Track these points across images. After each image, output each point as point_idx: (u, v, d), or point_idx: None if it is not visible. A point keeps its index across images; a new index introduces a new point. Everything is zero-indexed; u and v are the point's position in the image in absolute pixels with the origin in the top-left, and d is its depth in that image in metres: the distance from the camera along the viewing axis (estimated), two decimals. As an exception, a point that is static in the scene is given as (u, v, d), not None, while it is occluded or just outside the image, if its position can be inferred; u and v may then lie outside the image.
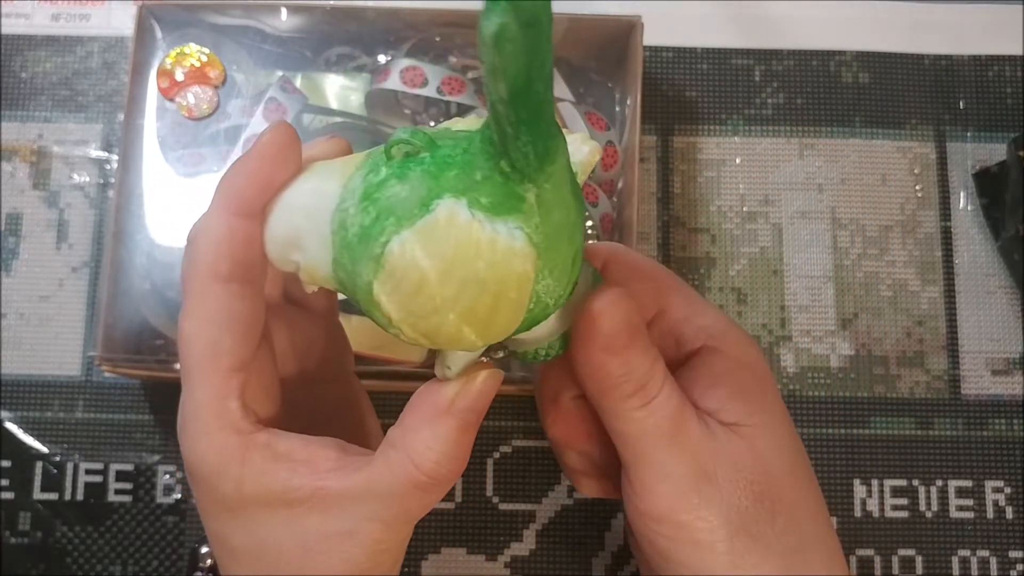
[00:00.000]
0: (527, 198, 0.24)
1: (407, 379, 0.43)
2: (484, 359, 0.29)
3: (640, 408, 0.28)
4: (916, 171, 0.51)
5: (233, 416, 0.28)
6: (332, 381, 0.34)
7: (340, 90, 0.48)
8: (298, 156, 0.28)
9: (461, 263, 0.24)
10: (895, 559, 0.46)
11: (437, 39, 0.47)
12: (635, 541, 0.31)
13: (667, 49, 0.51)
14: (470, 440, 0.27)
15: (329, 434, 0.29)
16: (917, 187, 0.50)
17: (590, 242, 0.29)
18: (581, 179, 0.27)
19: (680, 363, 0.31)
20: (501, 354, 0.31)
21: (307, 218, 0.26)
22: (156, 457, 0.46)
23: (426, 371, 0.43)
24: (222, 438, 0.28)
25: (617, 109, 0.48)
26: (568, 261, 0.25)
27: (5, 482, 0.46)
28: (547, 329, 0.29)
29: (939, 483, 0.47)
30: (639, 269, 0.31)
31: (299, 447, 0.28)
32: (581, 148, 0.28)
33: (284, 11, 0.47)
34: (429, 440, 0.27)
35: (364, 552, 0.28)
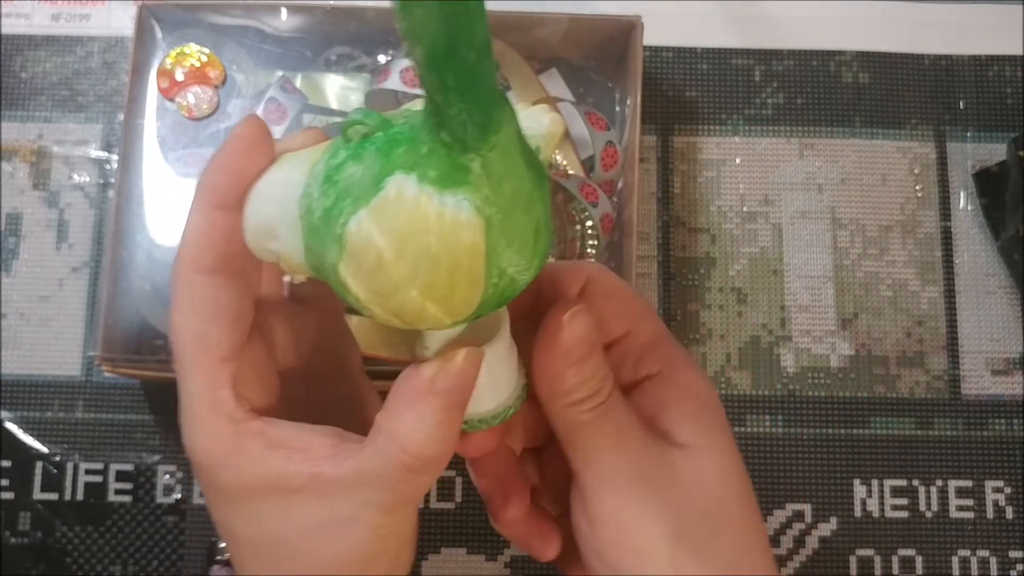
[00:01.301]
0: (472, 168, 0.24)
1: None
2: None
3: (589, 411, 0.30)
4: (916, 171, 0.51)
5: (225, 406, 0.28)
6: (336, 377, 0.34)
7: (340, 90, 0.48)
8: (269, 147, 0.28)
9: (413, 238, 0.24)
10: (895, 559, 0.46)
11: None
12: (582, 552, 0.31)
13: (667, 49, 0.51)
14: (456, 420, 0.28)
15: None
16: (917, 187, 0.50)
17: (574, 261, 0.30)
18: (547, 152, 0.28)
19: (635, 385, 0.32)
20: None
21: (278, 206, 0.27)
22: (156, 457, 0.46)
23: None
24: (216, 427, 0.28)
25: (617, 109, 0.48)
26: (529, 233, 0.25)
27: (5, 482, 0.46)
28: (505, 391, 0.30)
29: (939, 483, 0.47)
30: (615, 293, 0.32)
31: (294, 435, 0.28)
32: (541, 119, 0.28)
33: (284, 11, 0.47)
34: (413, 422, 0.27)
35: (365, 537, 0.28)
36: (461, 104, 0.23)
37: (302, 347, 0.33)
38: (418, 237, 0.24)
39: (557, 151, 0.46)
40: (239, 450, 0.28)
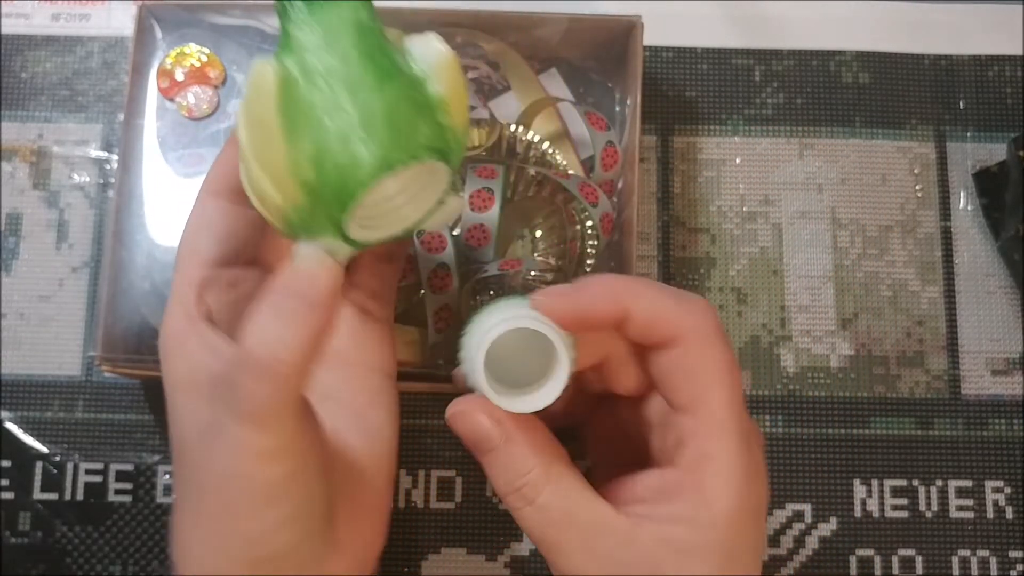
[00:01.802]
0: (293, 35, 0.28)
1: (406, 379, 0.43)
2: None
3: (523, 508, 0.31)
4: (916, 171, 0.51)
5: (187, 301, 0.31)
6: (364, 375, 0.35)
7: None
8: None
9: (246, 99, 0.28)
10: (895, 559, 0.46)
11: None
12: None
13: (667, 49, 0.51)
14: (295, 328, 0.27)
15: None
16: (917, 187, 0.51)
17: (616, 287, 0.31)
18: (443, 80, 0.29)
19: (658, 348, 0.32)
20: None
21: None
22: (156, 457, 0.46)
23: (426, 371, 0.43)
24: (174, 319, 0.32)
25: (617, 109, 0.48)
26: (352, 120, 0.27)
27: (5, 482, 0.46)
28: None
29: (939, 483, 0.47)
30: (585, 310, 0.31)
31: (224, 343, 0.30)
32: (434, 46, 0.30)
33: None
34: (256, 317, 0.28)
35: (224, 450, 0.28)
36: None
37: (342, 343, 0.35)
38: (247, 98, 0.28)
39: (556, 151, 0.46)
40: (181, 343, 0.31)
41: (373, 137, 0.27)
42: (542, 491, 0.30)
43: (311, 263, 0.28)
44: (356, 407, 0.34)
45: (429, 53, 0.30)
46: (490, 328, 0.30)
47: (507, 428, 0.30)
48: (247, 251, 0.34)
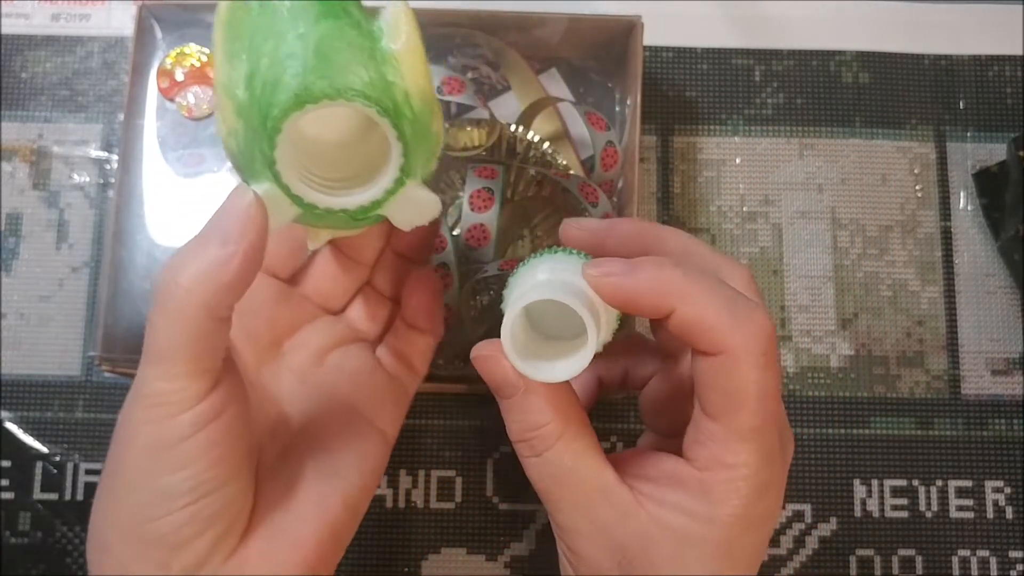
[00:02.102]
0: None
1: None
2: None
3: (529, 457, 0.30)
4: (916, 171, 0.51)
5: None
6: (360, 424, 0.35)
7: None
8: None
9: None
10: (895, 559, 0.46)
11: (437, 39, 0.47)
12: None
13: (667, 49, 0.51)
14: (204, 254, 0.27)
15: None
16: (917, 187, 0.51)
17: (663, 277, 0.29)
18: (399, 38, 0.29)
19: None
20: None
21: None
22: (156, 457, 0.46)
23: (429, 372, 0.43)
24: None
25: (617, 109, 0.48)
26: (282, 47, 0.27)
27: (5, 482, 0.46)
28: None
29: (939, 483, 0.47)
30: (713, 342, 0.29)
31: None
32: (389, 5, 0.29)
33: (284, 11, 0.47)
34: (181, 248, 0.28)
35: (136, 398, 0.28)
36: None
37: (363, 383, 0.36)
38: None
39: (556, 151, 0.46)
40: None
41: (298, 64, 0.27)
42: (552, 446, 0.30)
43: (237, 195, 0.27)
44: (330, 446, 0.33)
45: (389, 11, 0.29)
46: (529, 289, 0.29)
47: (530, 380, 0.30)
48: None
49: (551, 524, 0.32)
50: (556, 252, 0.31)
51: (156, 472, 0.28)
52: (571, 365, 0.28)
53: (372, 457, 0.34)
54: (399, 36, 0.29)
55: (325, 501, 0.31)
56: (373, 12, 0.30)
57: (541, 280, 0.30)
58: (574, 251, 0.31)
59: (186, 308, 0.27)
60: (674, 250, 0.31)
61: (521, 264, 0.31)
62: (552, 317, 0.31)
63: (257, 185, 0.28)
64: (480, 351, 0.30)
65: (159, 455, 0.28)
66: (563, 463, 0.30)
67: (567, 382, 0.30)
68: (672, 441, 0.33)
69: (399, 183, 0.29)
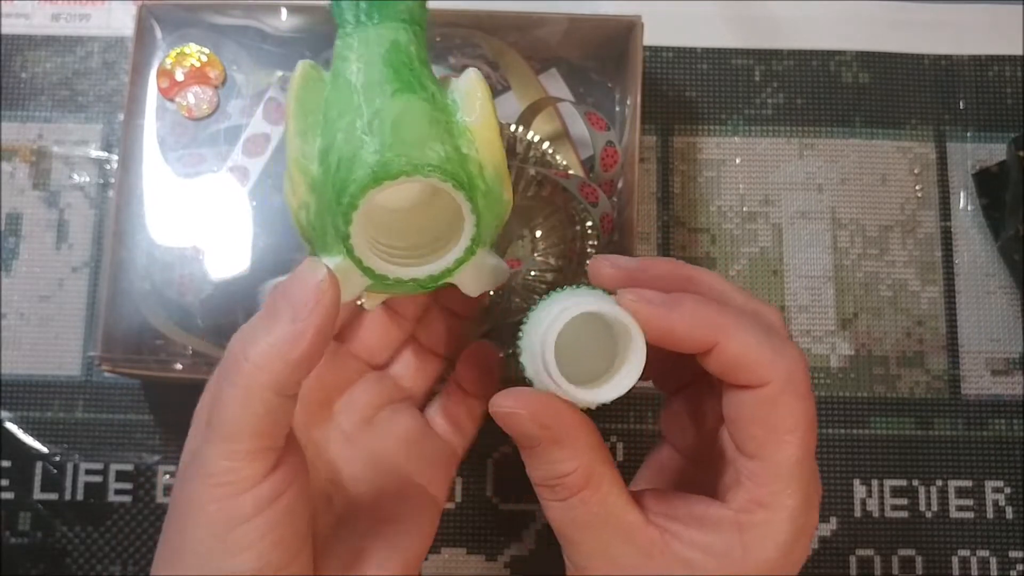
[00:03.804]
0: (336, 43, 0.30)
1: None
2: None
3: (551, 501, 0.30)
4: (916, 171, 0.51)
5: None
6: (415, 493, 0.34)
7: (340, 90, 0.48)
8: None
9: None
10: (895, 559, 0.46)
11: (437, 39, 0.47)
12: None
13: (667, 49, 0.51)
14: (281, 334, 0.26)
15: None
16: (917, 187, 0.50)
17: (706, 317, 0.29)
18: (474, 111, 0.29)
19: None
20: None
21: None
22: (156, 457, 0.46)
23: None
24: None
25: (617, 109, 0.48)
26: (367, 117, 0.28)
27: (5, 482, 0.46)
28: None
29: (939, 483, 0.47)
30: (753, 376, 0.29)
31: None
32: (467, 77, 0.30)
33: (284, 11, 0.47)
34: (247, 323, 0.27)
35: (198, 474, 0.27)
36: None
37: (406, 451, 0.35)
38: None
39: (556, 151, 0.46)
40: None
41: (376, 140, 0.27)
42: (577, 494, 0.29)
43: (309, 269, 0.27)
44: (387, 517, 0.33)
45: (462, 83, 0.29)
46: (561, 311, 0.28)
47: (554, 432, 0.28)
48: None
49: (564, 559, 0.31)
50: (577, 287, 0.30)
51: (220, 554, 0.27)
52: (619, 382, 0.28)
53: (427, 524, 0.34)
54: (473, 109, 0.29)
55: None
56: (445, 80, 0.30)
57: (570, 305, 0.28)
58: (596, 288, 0.30)
59: (255, 386, 0.26)
60: (708, 291, 0.31)
61: (534, 307, 0.30)
62: (573, 351, 0.30)
63: (329, 259, 0.27)
64: (501, 406, 0.29)
65: (223, 536, 0.27)
66: (588, 509, 0.29)
67: (591, 421, 0.29)
68: (689, 463, 0.32)
69: (470, 252, 0.29)
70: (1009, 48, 0.52)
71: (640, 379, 0.28)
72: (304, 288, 0.26)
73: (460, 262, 0.29)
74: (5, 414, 0.47)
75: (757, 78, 0.51)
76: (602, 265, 0.31)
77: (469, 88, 0.29)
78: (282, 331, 0.26)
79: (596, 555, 0.29)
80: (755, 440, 0.28)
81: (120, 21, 0.51)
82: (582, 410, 0.29)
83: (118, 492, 0.46)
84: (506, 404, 0.28)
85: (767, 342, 0.28)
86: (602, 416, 0.47)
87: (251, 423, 0.26)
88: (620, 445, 0.47)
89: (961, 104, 0.51)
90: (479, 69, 0.45)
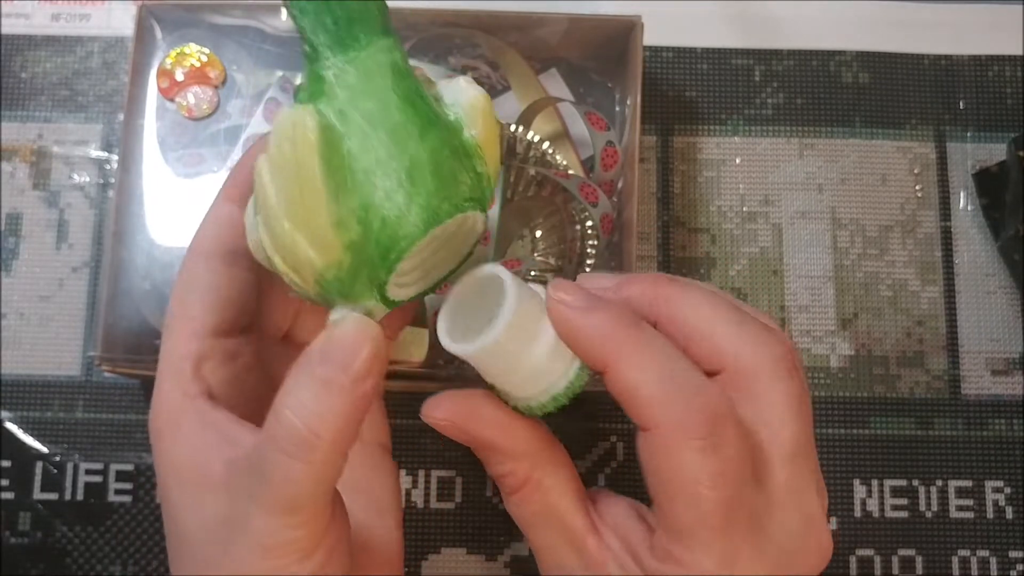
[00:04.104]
0: (326, 77, 0.25)
1: (407, 379, 0.43)
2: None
3: (505, 495, 0.29)
4: (916, 171, 0.51)
5: (183, 376, 0.28)
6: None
7: (340, 90, 0.48)
8: None
9: (277, 151, 0.25)
10: (895, 559, 0.46)
11: (437, 39, 0.47)
12: None
13: (667, 49, 0.51)
14: (339, 400, 0.25)
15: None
16: (917, 187, 0.51)
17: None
18: (478, 126, 0.27)
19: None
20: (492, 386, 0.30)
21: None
22: (156, 457, 0.46)
23: (427, 371, 0.43)
24: (167, 396, 0.28)
25: (617, 109, 0.48)
26: (400, 168, 0.25)
27: (5, 482, 0.46)
28: (546, 377, 0.28)
29: (939, 483, 0.47)
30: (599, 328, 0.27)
31: (229, 423, 0.27)
32: (466, 89, 0.28)
33: (284, 11, 0.47)
34: (290, 391, 0.25)
35: (247, 543, 0.25)
36: (309, 5, 0.25)
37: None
38: (279, 149, 0.25)
39: (556, 151, 0.46)
40: (177, 423, 0.27)
41: (420, 190, 0.25)
42: (519, 490, 0.29)
43: (353, 330, 0.25)
44: (359, 483, 0.32)
45: (462, 97, 0.28)
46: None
47: (480, 439, 0.28)
48: (244, 318, 0.30)
49: None
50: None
51: None
52: (486, 335, 0.27)
53: (383, 468, 0.34)
54: (477, 123, 0.27)
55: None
56: (429, 83, 0.28)
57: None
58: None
59: (330, 460, 0.25)
60: (689, 313, 0.28)
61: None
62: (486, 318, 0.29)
63: (354, 306, 0.27)
64: (428, 418, 0.28)
65: None
66: (531, 508, 0.29)
67: (531, 425, 0.29)
68: None
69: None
70: (1009, 48, 0.52)
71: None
72: (360, 348, 0.25)
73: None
74: (5, 414, 0.47)
75: (757, 78, 0.51)
76: (559, 295, 0.28)
77: (473, 103, 0.28)
78: (349, 401, 0.25)
79: (543, 553, 0.29)
80: (651, 488, 0.26)
81: (120, 21, 0.51)
82: (546, 412, 0.29)
83: (118, 492, 0.46)
84: (433, 415, 0.29)
85: (667, 379, 0.25)
86: (602, 416, 0.47)
87: (321, 494, 0.26)
88: (620, 445, 0.47)
89: (961, 104, 0.51)
90: (478, 69, 0.45)
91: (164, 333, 0.29)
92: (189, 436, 0.27)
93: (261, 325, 0.32)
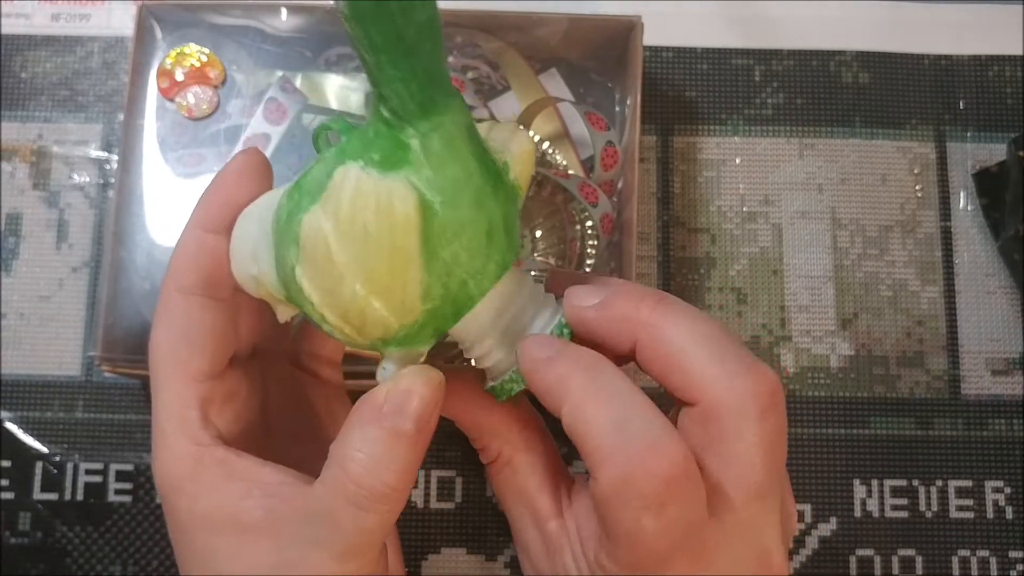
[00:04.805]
0: (412, 146, 0.24)
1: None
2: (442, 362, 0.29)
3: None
4: (916, 171, 0.51)
5: (191, 426, 0.27)
6: (319, 448, 0.32)
7: (340, 90, 0.48)
8: (265, 178, 0.29)
9: (353, 220, 0.24)
10: (895, 559, 0.46)
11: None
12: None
13: (667, 49, 0.51)
14: (406, 450, 0.25)
15: None
16: (917, 187, 0.51)
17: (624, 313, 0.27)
18: (520, 169, 0.27)
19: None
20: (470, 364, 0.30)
21: (259, 224, 0.27)
22: (156, 457, 0.46)
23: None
24: (179, 447, 0.27)
25: (617, 109, 0.48)
26: (480, 231, 0.25)
27: (5, 482, 0.46)
28: (503, 355, 0.28)
29: (939, 483, 0.47)
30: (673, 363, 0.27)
31: (254, 466, 0.27)
32: (519, 137, 0.28)
33: (284, 11, 0.47)
34: (357, 444, 0.25)
35: None
36: (396, 73, 0.24)
37: (292, 412, 0.32)
38: (358, 217, 0.24)
39: (556, 151, 0.46)
40: (197, 475, 0.27)
41: (497, 248, 0.26)
42: (492, 463, 0.30)
43: (422, 381, 0.26)
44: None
45: (513, 146, 0.27)
46: None
47: (463, 414, 0.29)
48: (230, 349, 0.30)
49: None
50: None
51: None
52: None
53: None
54: (518, 167, 0.27)
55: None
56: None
57: None
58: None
59: (398, 507, 0.26)
60: (662, 344, 0.27)
61: None
62: None
63: (412, 350, 0.27)
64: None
65: None
66: (503, 480, 0.30)
67: (521, 407, 0.30)
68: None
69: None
70: (1009, 48, 0.52)
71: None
72: (422, 400, 0.26)
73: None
74: (5, 414, 0.47)
75: (757, 78, 0.51)
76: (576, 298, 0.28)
77: (525, 152, 0.27)
78: (416, 451, 0.26)
79: (513, 524, 0.30)
80: (598, 516, 0.26)
81: (120, 21, 0.51)
82: (517, 394, 0.29)
83: (118, 492, 0.46)
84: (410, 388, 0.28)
85: (613, 429, 0.25)
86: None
87: (384, 537, 0.26)
88: (620, 445, 0.47)
89: (961, 104, 0.51)
90: (478, 69, 0.45)
91: (155, 380, 0.28)
92: (214, 486, 0.27)
93: (240, 351, 0.31)
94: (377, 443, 0.25)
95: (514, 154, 0.27)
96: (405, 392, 0.26)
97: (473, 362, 0.29)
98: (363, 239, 0.24)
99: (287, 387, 0.33)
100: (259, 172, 0.29)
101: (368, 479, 0.25)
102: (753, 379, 0.26)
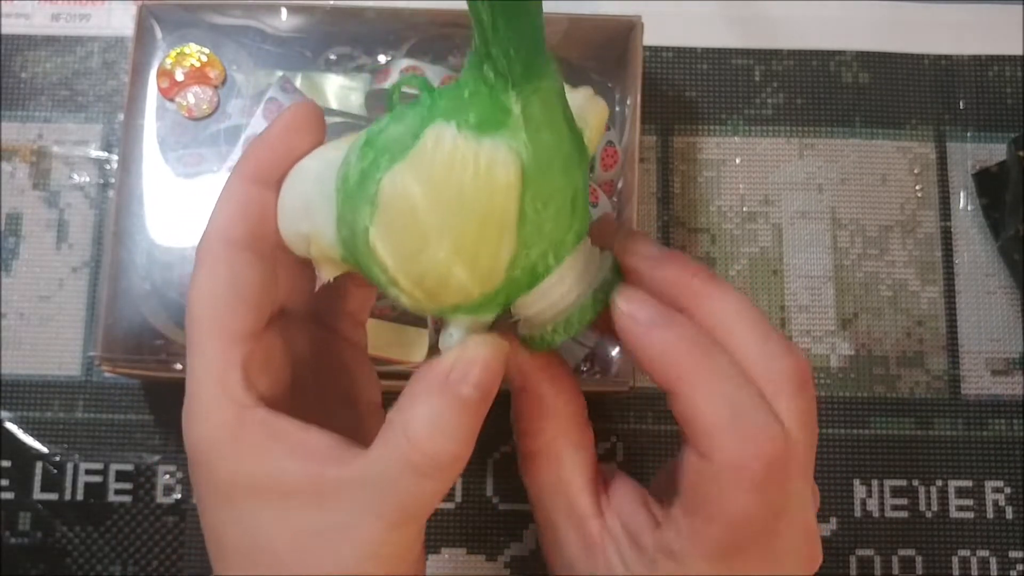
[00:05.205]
0: (513, 110, 0.24)
1: (406, 379, 0.43)
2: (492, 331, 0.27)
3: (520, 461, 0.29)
4: (916, 171, 0.51)
5: (233, 388, 0.26)
6: (344, 408, 0.32)
7: (340, 90, 0.48)
8: (320, 130, 0.27)
9: (447, 183, 0.23)
10: (895, 559, 0.46)
11: (437, 39, 0.47)
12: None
13: (667, 49, 0.51)
14: (470, 419, 0.25)
15: None
16: (917, 187, 0.51)
17: (607, 213, 0.27)
18: (591, 137, 0.27)
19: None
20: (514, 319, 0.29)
21: (316, 182, 0.26)
22: (156, 457, 0.46)
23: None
24: (220, 410, 0.26)
25: (617, 109, 0.48)
26: (567, 199, 0.25)
27: (5, 482, 0.46)
28: (556, 299, 0.27)
29: (939, 483, 0.47)
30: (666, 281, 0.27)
31: (300, 431, 0.26)
32: (594, 102, 0.27)
33: (284, 11, 0.47)
34: (423, 414, 0.25)
35: (361, 552, 0.26)
36: (509, 33, 0.23)
37: (321, 373, 0.32)
38: (453, 180, 0.23)
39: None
40: (240, 438, 0.26)
41: (579, 215, 0.25)
42: (535, 457, 0.29)
43: (490, 349, 0.25)
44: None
45: (588, 112, 0.27)
46: None
47: (544, 388, 0.29)
48: (272, 309, 0.29)
49: None
50: None
51: None
52: None
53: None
54: (590, 131, 0.27)
55: None
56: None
57: None
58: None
59: (457, 474, 0.26)
60: (713, 318, 0.27)
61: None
62: None
63: (479, 319, 0.26)
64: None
65: None
66: (541, 475, 0.29)
67: (583, 399, 0.29)
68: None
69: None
70: (1009, 48, 0.52)
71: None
72: (487, 368, 0.25)
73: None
74: (5, 414, 0.47)
75: (757, 78, 0.51)
76: (634, 249, 0.28)
77: (600, 116, 0.27)
78: (478, 418, 0.25)
79: (546, 528, 0.29)
80: (685, 497, 0.26)
81: (120, 21, 0.51)
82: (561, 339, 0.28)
83: (118, 492, 0.46)
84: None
85: (728, 409, 0.25)
86: (602, 416, 0.47)
87: (431, 510, 0.26)
88: (620, 445, 0.47)
89: (961, 104, 0.51)
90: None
91: (194, 336, 0.27)
92: (257, 449, 0.26)
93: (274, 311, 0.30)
94: (443, 412, 0.25)
95: (589, 122, 0.27)
96: (472, 361, 0.25)
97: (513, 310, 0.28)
98: (457, 204, 0.23)
99: (312, 348, 0.32)
100: (313, 126, 0.27)
101: (433, 447, 0.25)
102: (792, 360, 0.26)
